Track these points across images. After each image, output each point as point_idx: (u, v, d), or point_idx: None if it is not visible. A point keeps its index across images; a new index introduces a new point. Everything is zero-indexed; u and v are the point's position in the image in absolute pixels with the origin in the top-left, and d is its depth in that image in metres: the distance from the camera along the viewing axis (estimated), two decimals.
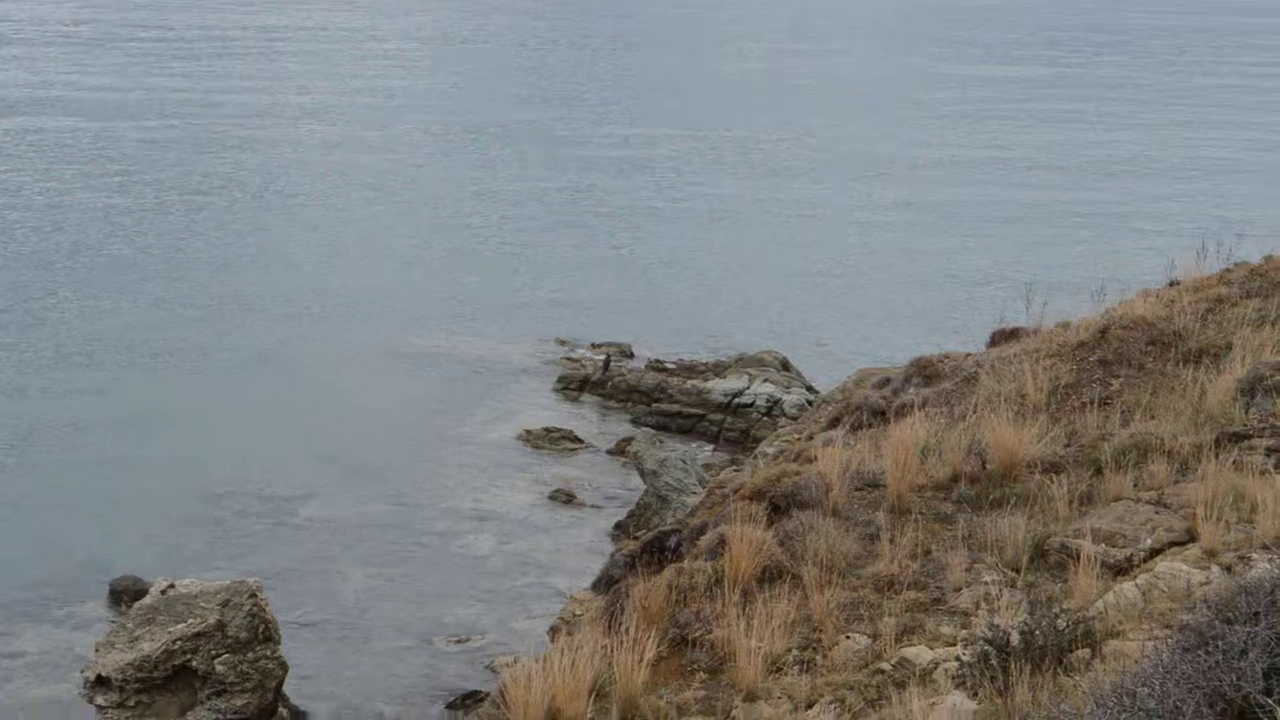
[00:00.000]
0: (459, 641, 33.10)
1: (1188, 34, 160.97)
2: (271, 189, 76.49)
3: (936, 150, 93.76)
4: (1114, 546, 16.21)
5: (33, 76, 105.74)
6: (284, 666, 27.90)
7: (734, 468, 32.04)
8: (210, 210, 70.68)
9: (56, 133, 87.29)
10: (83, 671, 27.39)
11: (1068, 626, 13.28)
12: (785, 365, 50.09)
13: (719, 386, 48.07)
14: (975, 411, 20.98)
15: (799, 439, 27.58)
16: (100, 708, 26.64)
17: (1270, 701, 9.24)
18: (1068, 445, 19.63)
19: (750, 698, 14.68)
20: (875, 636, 15.19)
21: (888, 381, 26.46)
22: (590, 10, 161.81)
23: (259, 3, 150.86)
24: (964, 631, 14.73)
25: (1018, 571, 16.18)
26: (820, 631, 15.61)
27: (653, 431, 43.16)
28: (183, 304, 56.56)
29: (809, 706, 14.16)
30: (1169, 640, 11.27)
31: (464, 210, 73.85)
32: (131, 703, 26.46)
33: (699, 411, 47.41)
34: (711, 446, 45.90)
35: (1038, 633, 13.13)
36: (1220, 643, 10.06)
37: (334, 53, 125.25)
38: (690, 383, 48.81)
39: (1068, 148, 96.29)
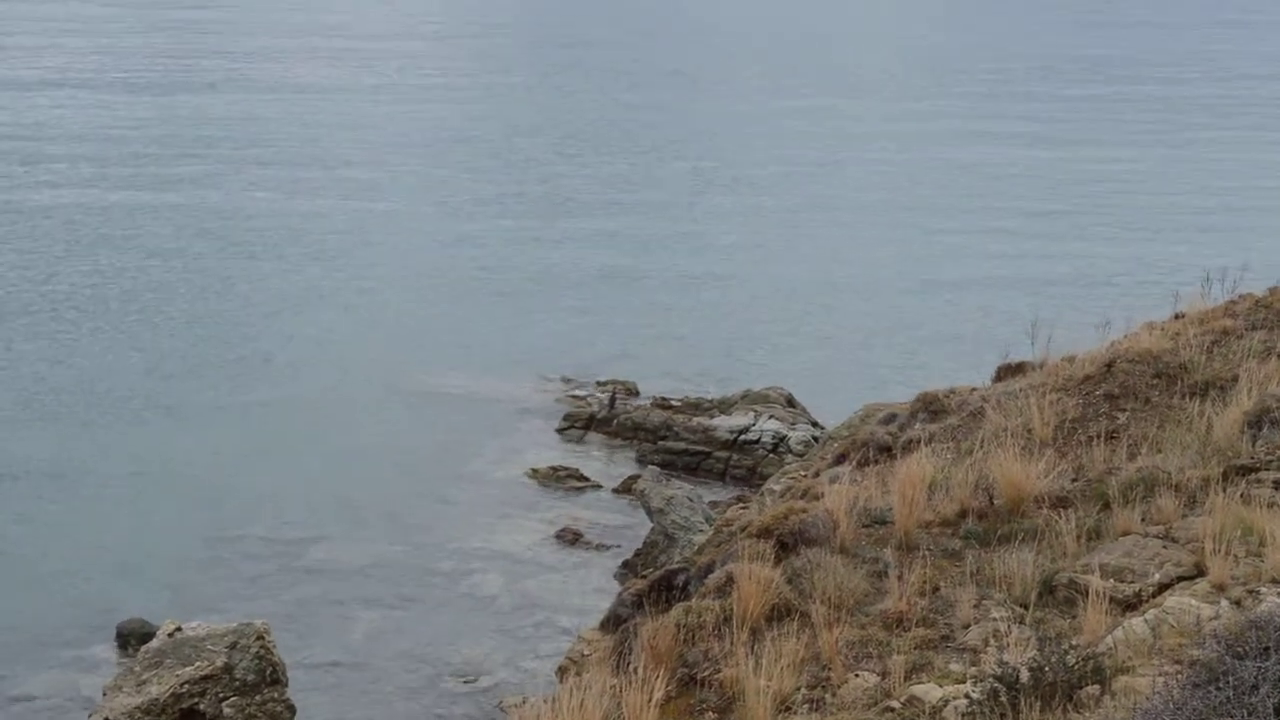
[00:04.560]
0: (467, 682, 33.07)
1: (1210, 59, 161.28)
2: (273, 228, 76.58)
3: (940, 183, 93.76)
4: (1122, 581, 16.18)
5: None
6: (292, 709, 27.84)
7: (741, 505, 32.01)
8: (212, 256, 70.66)
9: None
10: (90, 715, 27.35)
11: (1077, 663, 13.25)
12: (791, 401, 50.08)
13: (725, 423, 48.06)
14: (982, 447, 20.96)
15: (805, 476, 27.54)
16: None
17: None
18: (1075, 480, 19.61)
19: None
20: (884, 674, 15.15)
21: (894, 417, 26.45)
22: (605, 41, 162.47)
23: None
24: (973, 668, 14.69)
25: (1026, 607, 16.15)
26: (829, 670, 15.57)
27: (659, 469, 43.14)
28: (187, 347, 56.53)
29: None
30: (1179, 676, 11.25)
31: (465, 248, 73.84)
32: None
33: (705, 449, 47.39)
34: (718, 484, 45.88)
35: (1047, 669, 13.10)
36: (1230, 678, 10.04)
37: (337, 83, 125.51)
38: (696, 420, 48.80)
39: (1071, 176, 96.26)
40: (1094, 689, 13.12)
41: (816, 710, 14.92)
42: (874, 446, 24.11)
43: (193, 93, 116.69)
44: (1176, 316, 26.23)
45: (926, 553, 17.90)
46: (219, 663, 26.89)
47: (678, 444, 47.72)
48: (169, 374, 53.02)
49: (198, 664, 26.89)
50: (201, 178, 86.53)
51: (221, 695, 26.75)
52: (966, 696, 13.74)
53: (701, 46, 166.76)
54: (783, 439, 46.74)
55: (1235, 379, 21.81)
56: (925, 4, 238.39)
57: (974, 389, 26.19)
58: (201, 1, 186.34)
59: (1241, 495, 17.40)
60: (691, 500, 39.41)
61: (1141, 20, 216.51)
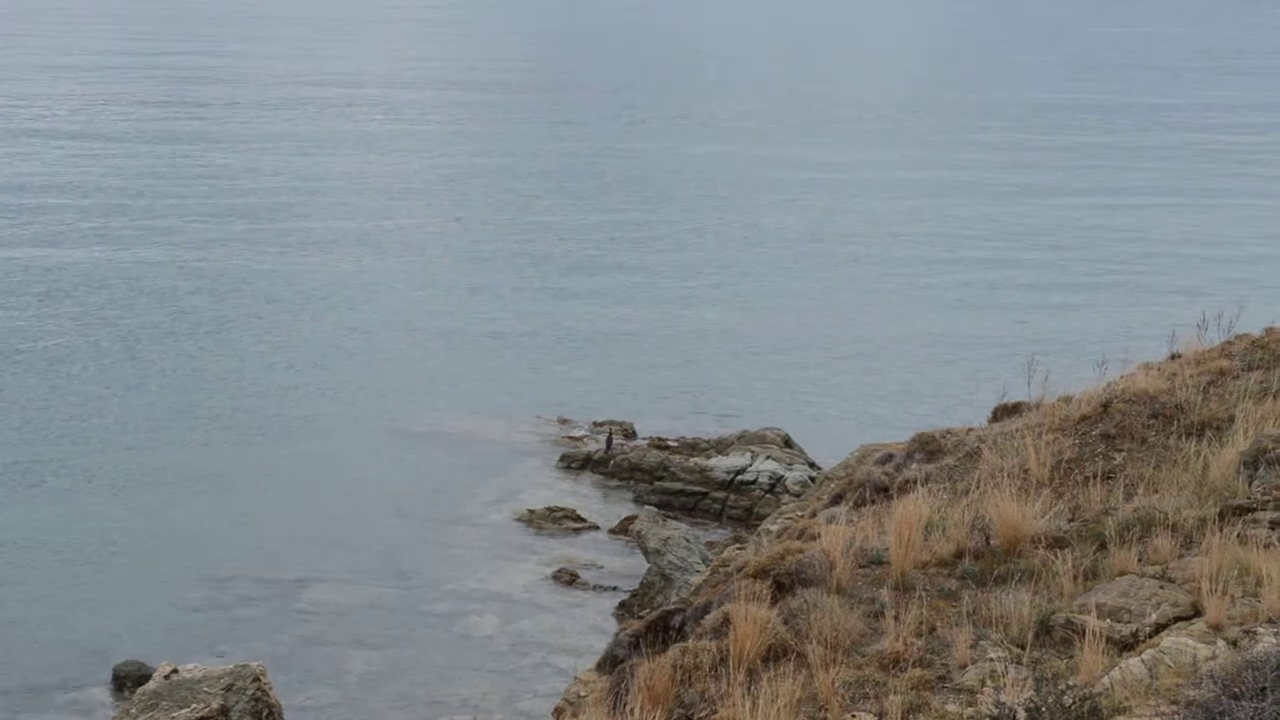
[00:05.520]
0: None
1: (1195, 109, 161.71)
2: (268, 278, 76.67)
3: (932, 222, 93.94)
4: (1119, 622, 16.18)
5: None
6: None
7: (737, 546, 31.97)
8: (206, 305, 70.67)
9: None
10: None
11: (1074, 703, 13.24)
12: (787, 442, 50.10)
13: (721, 464, 48.06)
14: (978, 487, 20.95)
15: (802, 516, 27.53)
16: None
17: None
18: (1071, 520, 19.61)
19: None
20: (881, 715, 15.13)
21: (890, 457, 26.43)
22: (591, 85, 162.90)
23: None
24: (970, 709, 14.68)
25: (1023, 648, 16.14)
26: (826, 710, 15.55)
27: (655, 510, 43.11)
28: (182, 392, 56.50)
29: None
30: (1176, 716, 11.24)
31: (461, 288, 73.93)
32: None
33: (702, 489, 47.38)
34: (714, 524, 45.85)
35: (1044, 710, 13.09)
36: (1227, 718, 10.04)
37: (336, 128, 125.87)
38: (693, 460, 48.81)
39: (1063, 219, 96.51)
40: None
41: None
42: (870, 487, 24.10)
43: (193, 143, 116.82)
44: (1173, 357, 26.27)
45: (923, 593, 17.89)
46: (215, 704, 26.84)
47: (674, 484, 47.72)
48: (164, 417, 52.94)
49: (194, 706, 26.84)
50: (197, 228, 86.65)
51: None
52: None
53: (701, 79, 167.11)
54: (779, 479, 46.73)
55: (1231, 419, 21.84)
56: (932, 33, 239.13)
57: (970, 429, 26.20)
58: (204, 48, 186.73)
59: (1238, 535, 17.41)
60: (688, 540, 39.39)
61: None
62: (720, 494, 47.09)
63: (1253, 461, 19.83)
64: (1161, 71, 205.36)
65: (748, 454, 48.45)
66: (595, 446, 50.76)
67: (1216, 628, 15.40)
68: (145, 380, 57.08)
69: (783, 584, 18.78)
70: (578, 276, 76.99)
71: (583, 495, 47.51)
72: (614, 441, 50.65)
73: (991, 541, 18.93)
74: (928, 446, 25.39)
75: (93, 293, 69.07)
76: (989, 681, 15.33)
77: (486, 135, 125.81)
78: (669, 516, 43.00)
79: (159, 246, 79.44)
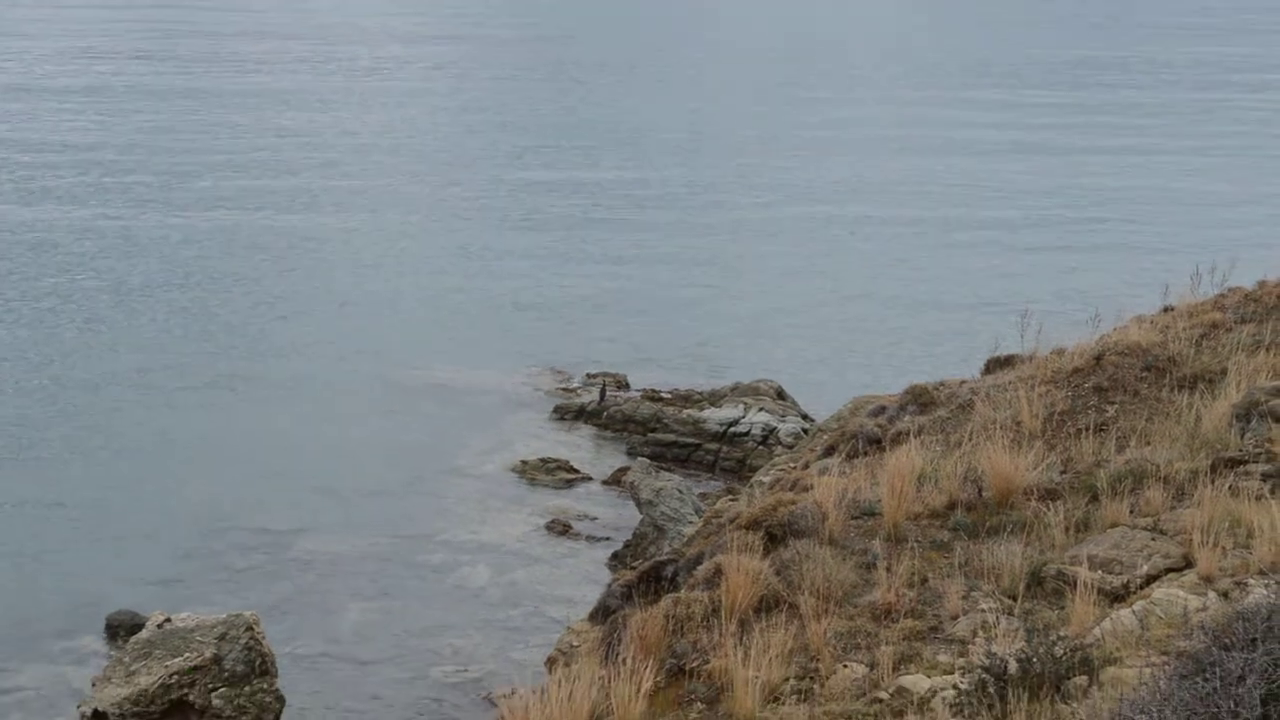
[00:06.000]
0: (456, 673, 33.05)
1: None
2: (270, 212, 76.54)
3: (929, 178, 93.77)
4: (1110, 573, 16.21)
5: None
6: (281, 700, 27.83)
7: (730, 497, 32.04)
8: (211, 257, 70.59)
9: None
10: (79, 707, 27.34)
11: (1065, 654, 13.28)
12: (781, 394, 50.08)
13: (714, 416, 48.06)
14: (971, 439, 20.99)
15: (795, 468, 27.56)
16: None
17: None
18: (1064, 472, 19.65)
19: None
20: (872, 665, 15.17)
21: (883, 409, 26.45)
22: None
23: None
24: (961, 660, 14.72)
25: (1015, 599, 16.18)
26: (817, 661, 15.59)
27: (648, 461, 43.08)
28: (177, 341, 56.49)
29: None
30: (1166, 667, 11.26)
31: (455, 239, 73.82)
32: None
33: (695, 441, 47.39)
34: (708, 476, 45.88)
35: (1035, 660, 13.13)
36: (1217, 669, 10.06)
37: (332, 84, 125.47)
38: (686, 412, 48.80)
39: (1059, 174, 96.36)
40: (1082, 680, 13.15)
41: (805, 701, 14.95)
42: (863, 439, 24.13)
43: (185, 98, 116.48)
44: (1166, 310, 26.29)
45: (915, 544, 17.93)
46: (208, 654, 26.89)
47: (667, 436, 47.73)
48: (157, 368, 52.92)
49: (187, 655, 26.89)
50: (189, 186, 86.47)
51: (211, 686, 26.75)
52: (954, 687, 13.78)
53: (702, 46, 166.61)
54: (772, 431, 46.75)
55: (1224, 372, 21.87)
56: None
57: (963, 382, 26.22)
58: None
59: (1229, 488, 17.45)
60: (681, 492, 39.40)
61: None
62: (713, 446, 47.10)
63: (1245, 414, 19.86)
64: (1154, 30, 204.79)
65: (741, 406, 48.45)
66: (589, 398, 50.74)
67: (1207, 579, 15.44)
68: (136, 333, 57.03)
69: (775, 535, 18.81)
70: (572, 232, 76.84)
71: (576, 446, 47.50)
72: (607, 393, 50.63)
73: (984, 493, 18.97)
74: (920, 398, 25.41)
75: (83, 247, 68.96)
76: (980, 632, 15.37)
77: (480, 91, 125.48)
78: (662, 468, 42.99)
79: (152, 205, 79.28)
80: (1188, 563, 16.16)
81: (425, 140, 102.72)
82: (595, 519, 41.90)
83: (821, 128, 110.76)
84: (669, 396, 51.17)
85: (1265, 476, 17.93)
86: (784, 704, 15.00)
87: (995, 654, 13.42)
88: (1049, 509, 18.05)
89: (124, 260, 67.07)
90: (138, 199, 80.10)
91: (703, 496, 41.01)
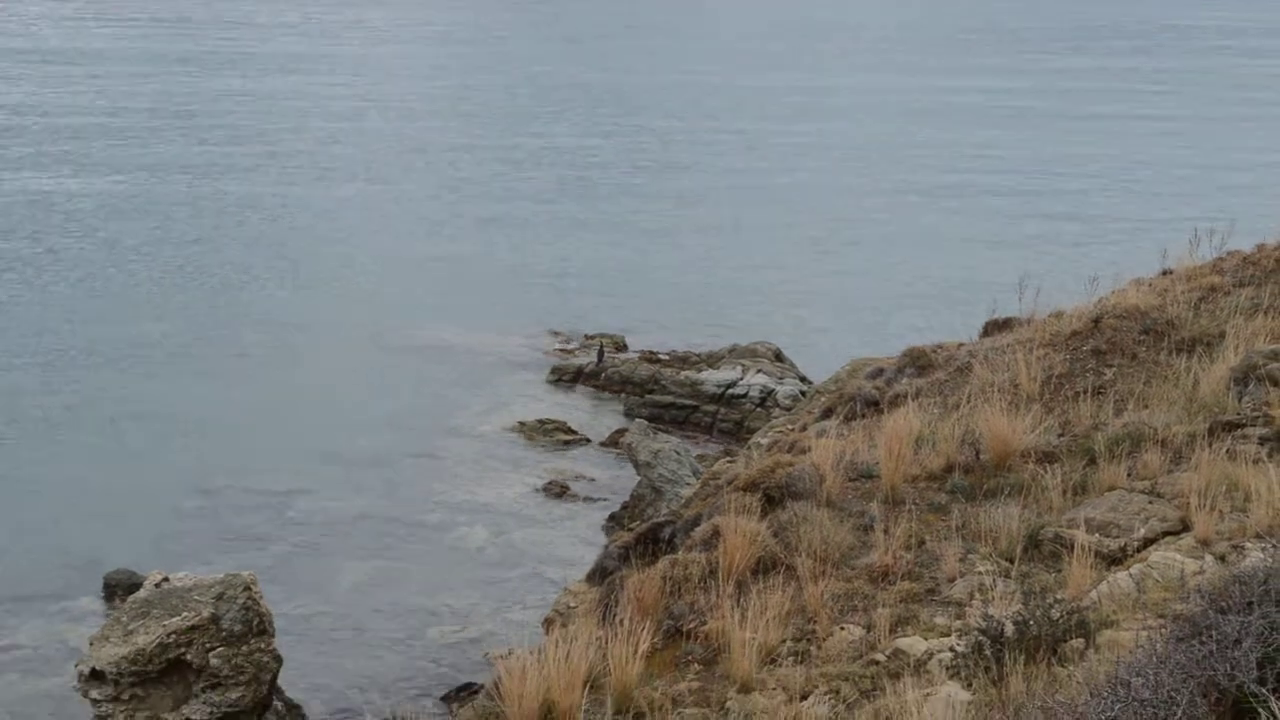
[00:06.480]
0: (453, 633, 33.10)
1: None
2: (269, 179, 76.53)
3: (930, 144, 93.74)
4: (1108, 536, 16.21)
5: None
6: (278, 659, 27.86)
7: (728, 459, 32.02)
8: (202, 204, 70.63)
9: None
10: (77, 665, 27.37)
11: (1062, 617, 13.28)
12: (779, 356, 50.09)
13: (712, 378, 48.07)
14: (969, 401, 20.97)
15: (792, 430, 27.54)
16: (95, 701, 26.61)
17: (1264, 691, 9.24)
18: (1061, 435, 19.63)
19: (745, 689, 14.66)
20: (869, 627, 15.18)
21: (881, 372, 26.43)
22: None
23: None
24: (958, 622, 14.72)
25: (1012, 562, 16.18)
26: (814, 623, 15.60)
27: (646, 423, 43.12)
28: (173, 298, 56.52)
29: (804, 698, 14.14)
30: (1163, 630, 11.26)
31: (452, 202, 73.83)
32: (126, 696, 26.43)
33: (692, 403, 47.40)
34: (705, 438, 45.90)
35: (1032, 623, 13.13)
36: (1214, 632, 10.06)
37: (339, 51, 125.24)
38: (684, 374, 48.81)
39: (1058, 142, 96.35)
40: (1078, 643, 13.15)
41: (802, 662, 14.96)
42: (861, 401, 24.11)
43: (184, 63, 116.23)
44: (1164, 273, 26.24)
45: (912, 507, 17.93)
46: (206, 613, 26.90)
47: (665, 397, 47.74)
48: (158, 330, 52.98)
49: (184, 614, 26.90)
50: (187, 151, 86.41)
51: (208, 645, 26.77)
52: (951, 650, 13.78)
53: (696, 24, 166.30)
54: (770, 393, 46.76)
55: (1222, 335, 21.84)
56: None
57: (961, 344, 26.19)
58: None
59: (1227, 451, 17.43)
60: (679, 453, 39.43)
61: None
62: (711, 407, 47.11)
63: (1243, 378, 19.83)
64: None
65: (739, 368, 48.45)
66: (586, 359, 50.75)
67: (1204, 542, 15.43)
68: (133, 294, 57.08)
69: (773, 497, 18.81)
70: (571, 197, 76.81)
71: (573, 408, 47.52)
72: (605, 355, 50.63)
73: (981, 456, 18.96)
74: (918, 361, 25.38)
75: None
76: (977, 595, 15.38)
77: (481, 55, 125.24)
78: (659, 429, 43.05)
79: (152, 170, 79.33)
80: (1185, 526, 16.15)
81: (422, 107, 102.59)
82: (593, 480, 41.94)
83: (823, 95, 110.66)
84: (667, 358, 51.18)
85: (1263, 440, 17.92)
86: (781, 665, 15.01)
87: (992, 616, 13.42)
88: (1046, 472, 18.04)
89: (120, 223, 67.06)
90: (135, 164, 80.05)
91: (700, 458, 41.05)
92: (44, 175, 75.68)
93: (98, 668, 26.46)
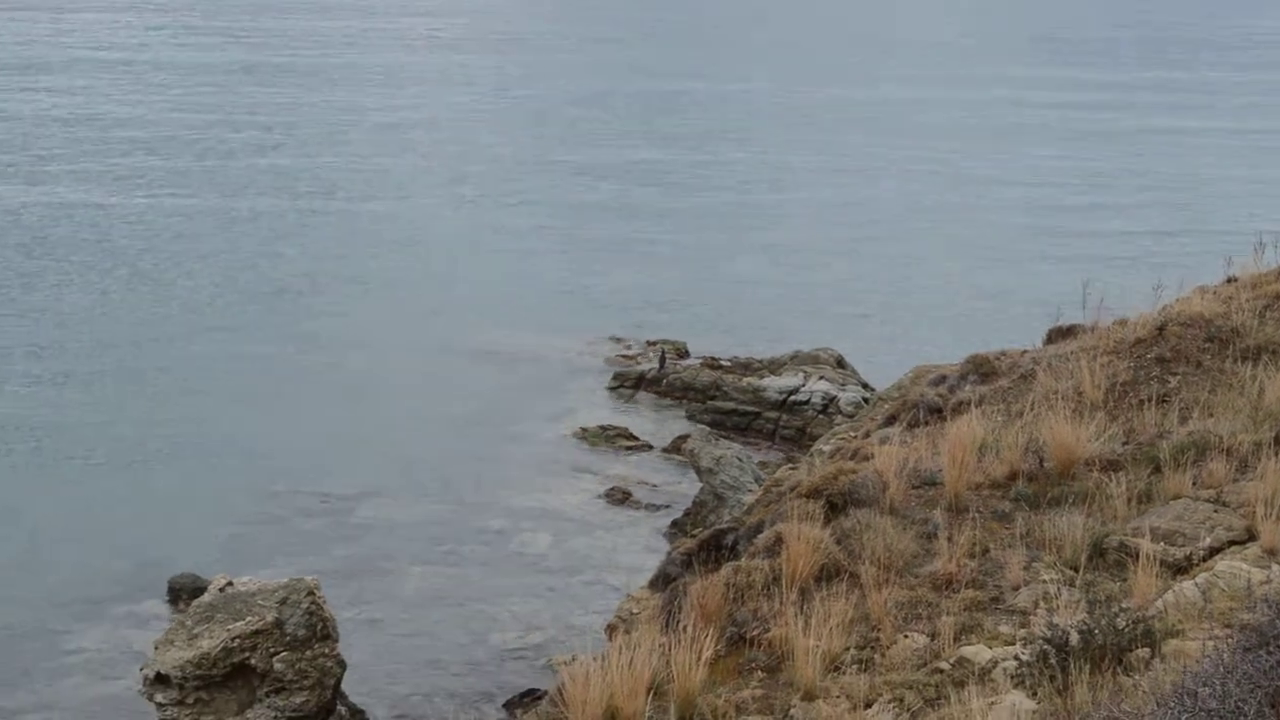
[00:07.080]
0: (516, 639, 33.18)
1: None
2: (332, 182, 76.91)
3: (996, 153, 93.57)
4: (1173, 545, 16.16)
5: None
6: (342, 664, 27.98)
7: (790, 466, 32.01)
8: (269, 204, 71.00)
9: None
10: (142, 669, 27.54)
11: (1127, 626, 13.24)
12: (841, 362, 49.99)
13: (774, 384, 48.01)
14: (1032, 409, 20.91)
15: (855, 437, 27.51)
16: (160, 705, 26.77)
17: None
18: (1125, 443, 19.56)
19: (808, 697, 14.68)
20: (933, 635, 15.17)
21: (944, 379, 26.37)
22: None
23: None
24: (1023, 631, 14.70)
25: (1076, 570, 16.14)
26: (878, 630, 15.60)
27: (708, 429, 43.12)
28: (240, 307, 56.82)
29: (867, 706, 14.15)
30: (1229, 640, 11.23)
31: (516, 207, 74.03)
32: (191, 700, 26.59)
33: (754, 409, 47.35)
34: (767, 444, 45.86)
35: (1097, 632, 13.10)
36: None
37: (384, 55, 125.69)
38: (745, 380, 48.76)
39: (1121, 151, 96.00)
40: (1144, 652, 13.11)
41: (865, 671, 14.96)
42: (924, 408, 24.07)
43: (246, 73, 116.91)
44: (1229, 280, 26.09)
45: (976, 515, 17.90)
46: (270, 618, 27.04)
47: (727, 404, 47.72)
48: (222, 333, 53.26)
49: (249, 619, 27.04)
50: (252, 163, 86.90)
51: (272, 650, 26.90)
52: (1016, 658, 13.76)
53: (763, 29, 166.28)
54: (833, 400, 46.68)
55: None
56: None
57: (1024, 351, 26.13)
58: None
59: None
60: (740, 460, 39.42)
61: None
62: (773, 414, 47.05)
63: None
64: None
65: (801, 374, 48.38)
66: (648, 366, 50.78)
67: (1271, 552, 15.38)
68: (197, 292, 57.45)
69: (835, 504, 18.81)
70: (634, 200, 76.91)
71: (636, 414, 47.57)
72: (667, 361, 50.65)
73: (1045, 464, 18.91)
74: (982, 368, 25.33)
75: (152, 210, 69.37)
76: (1042, 603, 15.35)
77: (543, 63, 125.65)
78: (721, 436, 43.03)
79: (210, 185, 79.79)
80: (1251, 535, 16.09)
81: (485, 120, 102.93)
82: (655, 486, 41.95)
83: (886, 106, 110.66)
84: (728, 364, 51.15)
85: None
86: (845, 673, 15.01)
87: (1057, 625, 13.40)
88: (1111, 480, 17.98)
89: (183, 229, 67.54)
90: (196, 177, 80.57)
91: (762, 465, 41.04)
92: (108, 189, 76.18)
93: (163, 671, 26.63)
